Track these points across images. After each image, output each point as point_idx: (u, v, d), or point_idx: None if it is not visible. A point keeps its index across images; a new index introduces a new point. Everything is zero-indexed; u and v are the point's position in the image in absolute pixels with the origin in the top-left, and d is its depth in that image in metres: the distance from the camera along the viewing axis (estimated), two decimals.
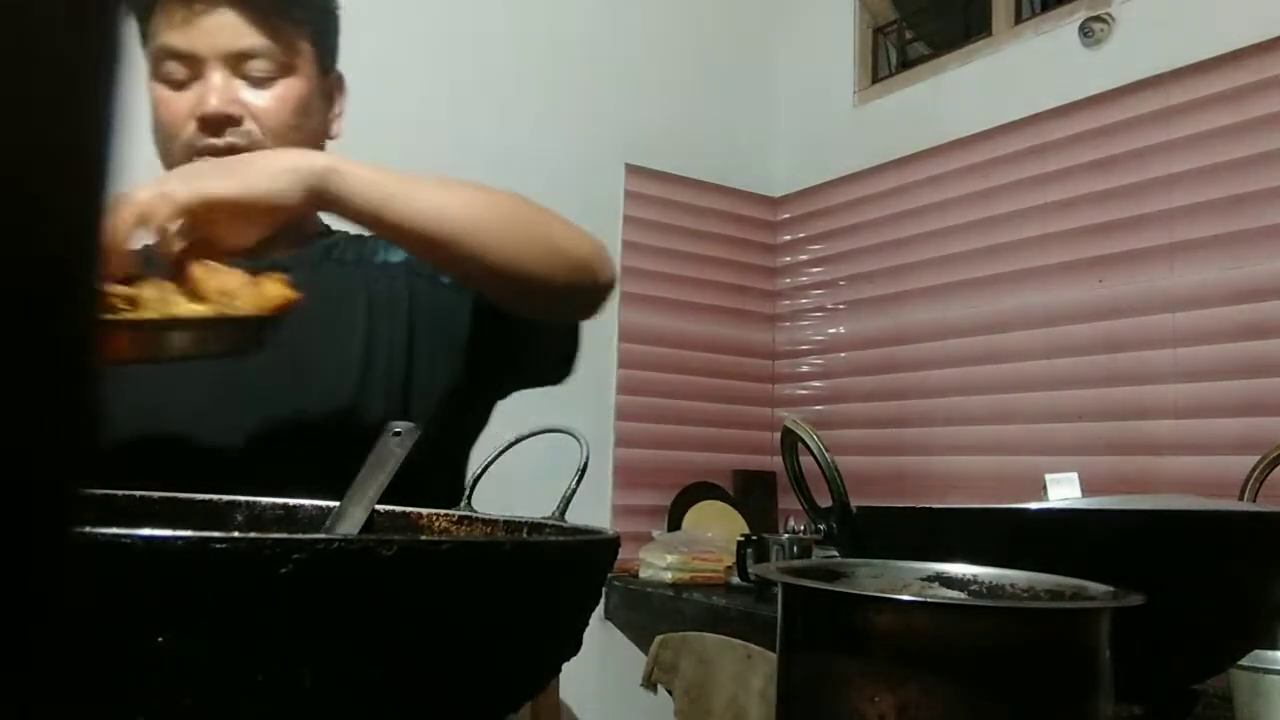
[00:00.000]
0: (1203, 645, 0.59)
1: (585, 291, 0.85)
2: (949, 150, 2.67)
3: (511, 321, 0.87)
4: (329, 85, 0.95)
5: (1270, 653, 0.71)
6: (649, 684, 2.17)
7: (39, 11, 0.13)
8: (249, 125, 0.85)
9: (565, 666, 0.45)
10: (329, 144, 0.96)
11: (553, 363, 0.95)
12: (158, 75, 0.86)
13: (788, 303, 3.16)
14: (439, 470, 0.86)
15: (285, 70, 0.87)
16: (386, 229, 0.74)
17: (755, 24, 3.26)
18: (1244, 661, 0.69)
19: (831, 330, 3.00)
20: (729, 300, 3.09)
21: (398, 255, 0.94)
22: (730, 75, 3.19)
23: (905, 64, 2.96)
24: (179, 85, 0.86)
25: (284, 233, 0.92)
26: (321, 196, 0.70)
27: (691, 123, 3.06)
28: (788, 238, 3.19)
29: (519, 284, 0.79)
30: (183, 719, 0.29)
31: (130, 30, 0.84)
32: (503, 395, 0.99)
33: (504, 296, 0.84)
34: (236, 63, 0.85)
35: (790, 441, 0.64)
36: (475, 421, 0.97)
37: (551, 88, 2.78)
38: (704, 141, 3.08)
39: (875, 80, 3.00)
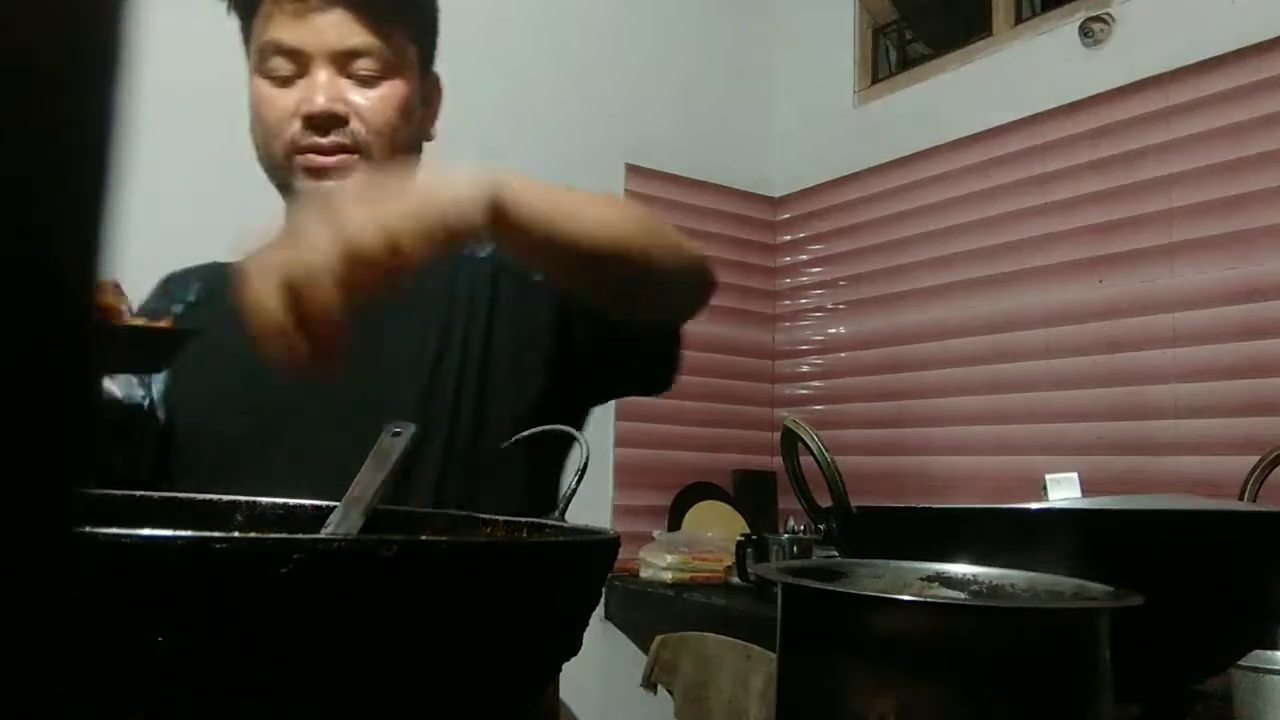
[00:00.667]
0: (1203, 645, 0.59)
1: (703, 292, 0.84)
2: (949, 150, 2.67)
3: (611, 326, 0.84)
4: (428, 86, 0.94)
5: (1270, 653, 0.71)
6: (649, 684, 2.17)
7: (38, 11, 0.13)
8: (355, 125, 0.85)
9: (565, 666, 0.45)
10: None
11: (656, 368, 0.92)
12: (262, 70, 0.86)
13: (788, 303, 3.16)
14: (534, 478, 0.86)
15: (391, 71, 0.87)
16: (556, 249, 0.65)
17: (755, 24, 3.26)
18: (1244, 661, 0.69)
19: (831, 330, 3.00)
20: (729, 300, 3.09)
21: (485, 249, 0.90)
22: (730, 75, 3.19)
23: (905, 64, 2.96)
24: (284, 82, 0.85)
25: None
26: (499, 215, 0.60)
27: (691, 123, 3.06)
28: (788, 238, 3.19)
29: (664, 293, 0.78)
30: (183, 719, 0.29)
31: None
32: (601, 401, 0.96)
33: (652, 307, 0.82)
34: (344, 61, 0.85)
35: (790, 441, 0.64)
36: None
37: (552, 88, 2.78)
38: (704, 141, 3.08)
39: (875, 80, 3.00)
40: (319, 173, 0.85)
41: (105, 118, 0.14)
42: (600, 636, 2.52)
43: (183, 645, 0.29)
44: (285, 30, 0.84)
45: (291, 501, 0.60)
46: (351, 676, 0.32)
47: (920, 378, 2.68)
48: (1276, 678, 0.69)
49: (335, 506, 0.55)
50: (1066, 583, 0.49)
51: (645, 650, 2.25)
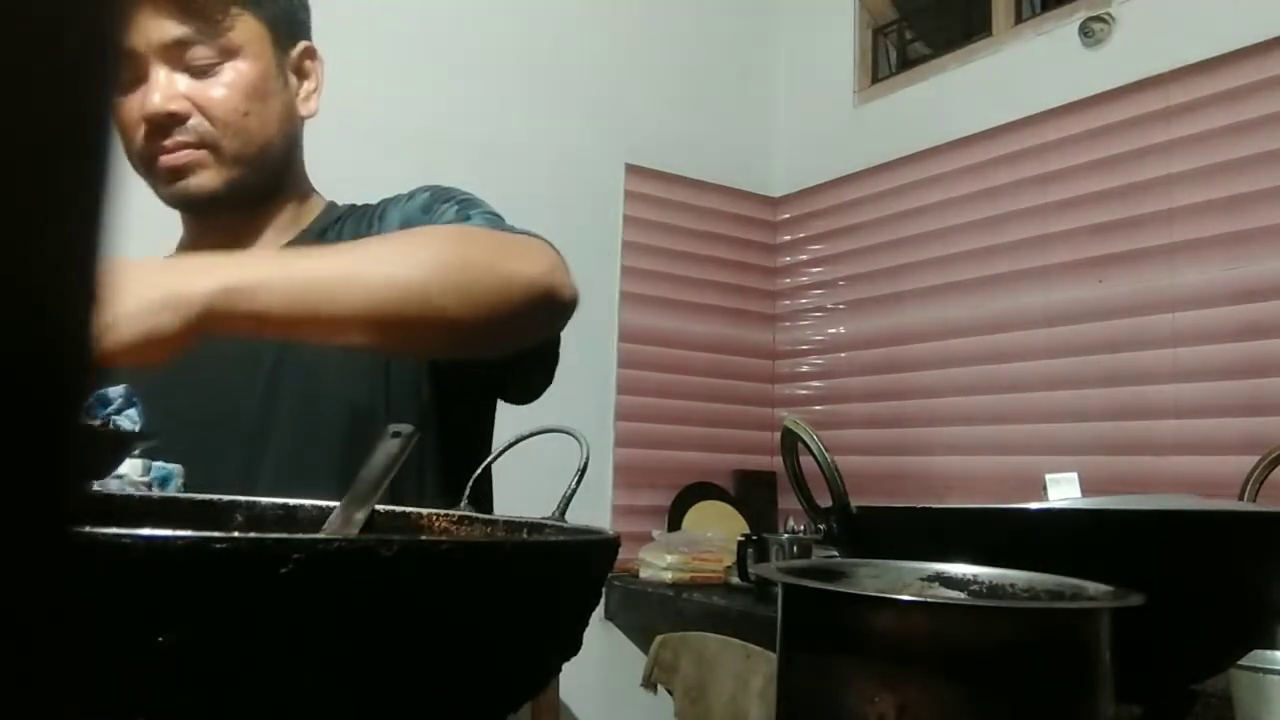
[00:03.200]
0: (1203, 645, 0.59)
1: (547, 318, 0.78)
2: (949, 150, 2.67)
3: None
4: (294, 61, 0.90)
5: (1270, 653, 0.71)
6: (649, 684, 2.17)
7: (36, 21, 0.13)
8: (196, 120, 0.81)
9: (565, 666, 0.45)
10: (307, 123, 0.93)
11: (516, 385, 0.90)
12: None
13: (788, 303, 3.16)
14: (433, 473, 0.86)
15: (228, 54, 0.82)
16: (325, 330, 0.63)
17: (755, 24, 3.26)
18: (1244, 661, 0.69)
19: (831, 330, 3.00)
20: (729, 300, 3.09)
21: None
22: (730, 75, 3.19)
23: (905, 64, 2.96)
24: (127, 88, 0.82)
25: (276, 225, 0.92)
26: (218, 324, 0.58)
27: (691, 123, 3.06)
28: (788, 238, 3.19)
29: (480, 336, 0.72)
30: (183, 719, 0.29)
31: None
32: (486, 404, 0.95)
33: (464, 351, 0.78)
34: (176, 55, 0.81)
35: (790, 441, 0.64)
36: (470, 428, 0.94)
37: (552, 88, 2.78)
38: (704, 141, 3.08)
39: (875, 80, 3.00)
40: (172, 174, 0.83)
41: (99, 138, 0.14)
42: (600, 636, 2.52)
43: (182, 646, 0.29)
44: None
45: (291, 501, 0.60)
46: (351, 677, 0.32)
47: (920, 378, 2.68)
48: (1276, 678, 0.69)
49: (335, 506, 0.55)
50: (1066, 583, 0.49)
51: (645, 650, 2.25)
